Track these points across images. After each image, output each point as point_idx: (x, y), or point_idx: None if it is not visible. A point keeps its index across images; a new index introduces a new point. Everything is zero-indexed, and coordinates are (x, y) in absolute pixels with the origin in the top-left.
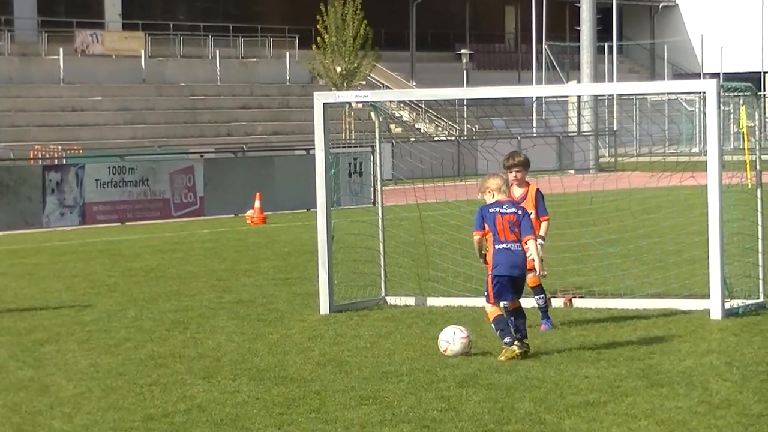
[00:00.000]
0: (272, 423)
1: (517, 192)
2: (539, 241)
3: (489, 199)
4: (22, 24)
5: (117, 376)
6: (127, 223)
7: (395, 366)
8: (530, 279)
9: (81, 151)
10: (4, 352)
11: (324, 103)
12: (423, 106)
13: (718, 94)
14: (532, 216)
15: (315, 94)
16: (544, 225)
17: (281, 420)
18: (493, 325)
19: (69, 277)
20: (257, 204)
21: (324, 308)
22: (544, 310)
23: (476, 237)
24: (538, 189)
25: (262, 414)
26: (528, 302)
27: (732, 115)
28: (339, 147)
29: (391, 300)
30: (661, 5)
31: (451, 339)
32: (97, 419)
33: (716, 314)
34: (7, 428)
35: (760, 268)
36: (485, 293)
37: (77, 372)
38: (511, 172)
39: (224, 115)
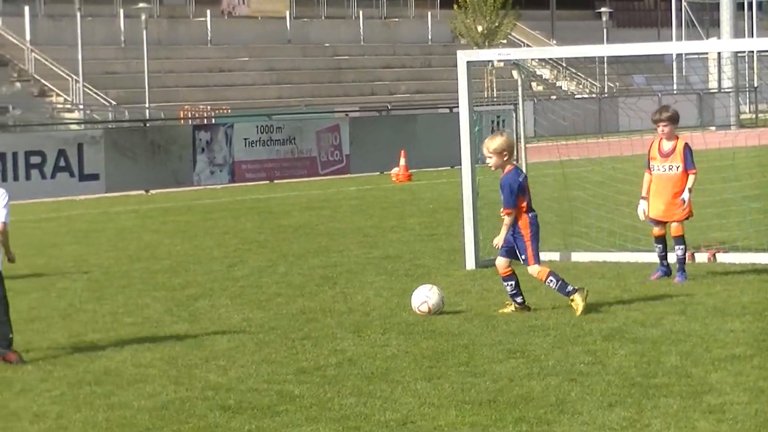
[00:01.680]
0: (422, 376)
1: (666, 146)
2: (686, 194)
3: (499, 163)
4: None
5: (269, 331)
6: (275, 181)
7: (541, 320)
8: (674, 228)
9: (229, 111)
10: (159, 307)
11: (467, 62)
12: (564, 64)
13: None
14: (681, 169)
15: (458, 52)
16: (691, 178)
17: (430, 373)
18: (552, 278)
19: (220, 234)
20: (402, 161)
21: (470, 264)
22: (682, 261)
23: (512, 215)
24: (686, 143)
25: (412, 367)
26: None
27: None
28: (481, 105)
29: None
30: None
31: (425, 295)
32: (251, 372)
33: None
34: (164, 380)
35: None
36: (525, 257)
37: (230, 326)
38: (659, 126)
39: (368, 75)
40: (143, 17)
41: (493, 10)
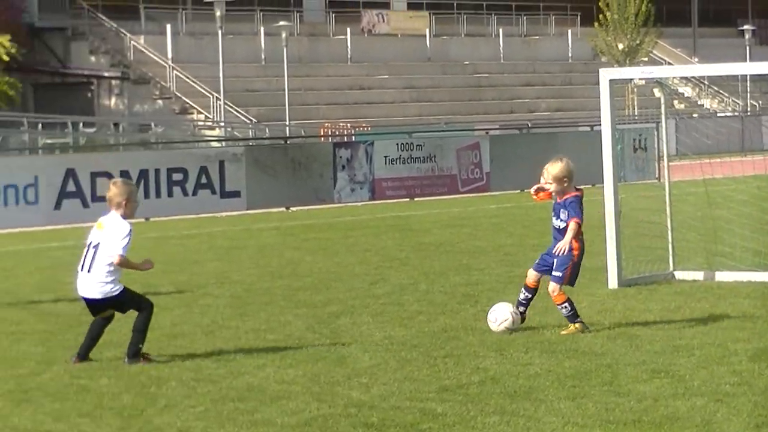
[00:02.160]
0: (565, 395)
1: None
2: None
3: (559, 189)
4: (311, 5)
5: (411, 348)
6: (415, 199)
7: (686, 340)
8: None
9: (369, 129)
10: (301, 324)
11: (610, 80)
12: (706, 81)
13: None
14: None
15: (600, 70)
16: None
17: (574, 392)
18: (568, 305)
19: (361, 251)
20: (543, 180)
21: (612, 282)
22: None
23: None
24: None
25: (555, 386)
26: None
27: None
28: (623, 123)
29: (679, 275)
30: None
31: (501, 315)
32: (394, 390)
33: None
34: (307, 397)
35: None
36: (561, 274)
37: (372, 343)
38: None
39: (507, 93)
40: (284, 35)
41: (635, 28)
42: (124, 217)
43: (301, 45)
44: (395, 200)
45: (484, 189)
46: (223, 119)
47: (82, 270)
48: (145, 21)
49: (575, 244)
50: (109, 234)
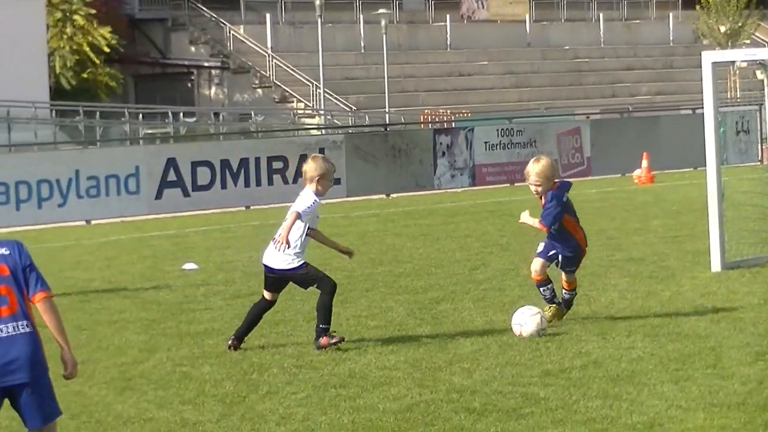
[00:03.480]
0: (668, 378)
1: None
2: None
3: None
4: None
5: (510, 334)
6: (515, 184)
7: None
8: None
9: (469, 115)
10: (402, 311)
11: (712, 62)
12: None
13: None
14: None
15: (703, 53)
16: None
17: (677, 375)
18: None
19: (462, 237)
20: (644, 163)
21: (715, 265)
22: None
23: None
24: None
25: (658, 369)
26: None
27: None
28: (725, 106)
29: None
30: None
31: (522, 320)
32: (496, 375)
33: None
34: (409, 383)
35: None
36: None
37: (474, 329)
38: None
39: (608, 77)
40: (383, 23)
41: (737, 10)
42: (317, 193)
43: (400, 32)
44: (495, 186)
45: (585, 174)
46: (322, 107)
47: (273, 241)
48: (245, 11)
49: (579, 234)
50: (297, 203)
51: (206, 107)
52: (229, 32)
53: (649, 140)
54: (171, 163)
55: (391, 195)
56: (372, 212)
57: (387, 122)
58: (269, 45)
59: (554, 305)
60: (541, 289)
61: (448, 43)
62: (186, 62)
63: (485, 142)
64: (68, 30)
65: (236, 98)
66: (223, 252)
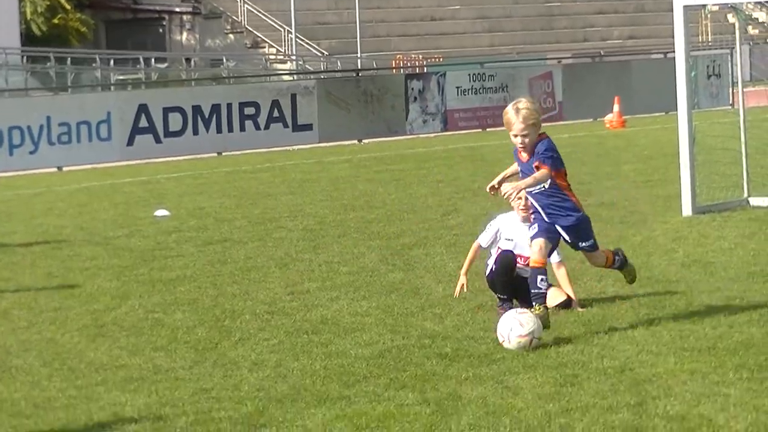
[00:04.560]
0: (639, 322)
1: None
2: None
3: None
4: None
5: (484, 278)
6: (487, 129)
7: (761, 266)
8: None
9: (441, 60)
10: (375, 256)
11: (684, 6)
12: None
13: None
14: None
15: None
16: None
17: (648, 320)
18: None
19: (434, 183)
20: (616, 108)
21: (686, 210)
22: None
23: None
24: None
25: (629, 314)
26: None
27: None
28: (697, 50)
29: (754, 201)
30: None
31: (507, 335)
32: (467, 320)
33: None
34: (381, 329)
35: None
36: (592, 242)
37: (446, 274)
38: None
39: (580, 21)
40: None
41: None
42: None
43: None
44: (468, 131)
45: (557, 118)
46: (294, 53)
47: None
48: None
49: (574, 199)
50: None
51: (178, 53)
52: None
53: (620, 85)
54: (143, 109)
55: (363, 140)
56: (344, 158)
57: (359, 67)
58: None
59: (544, 306)
60: (539, 278)
61: None
62: (157, 7)
63: (457, 87)
64: None
65: (208, 44)
66: (195, 198)
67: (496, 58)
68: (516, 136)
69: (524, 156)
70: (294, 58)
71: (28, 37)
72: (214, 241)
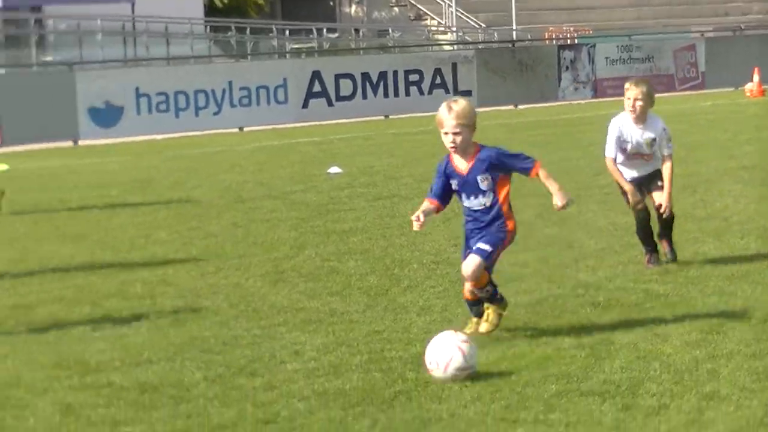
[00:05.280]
0: None
1: None
2: None
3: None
4: None
5: (634, 234)
6: None
7: None
8: None
9: (591, 32)
10: (531, 212)
11: None
12: None
13: None
14: None
15: None
16: None
17: None
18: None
19: (585, 146)
20: (756, 78)
21: None
22: None
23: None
24: None
25: None
26: None
27: None
28: None
29: None
30: None
31: (443, 364)
32: (618, 272)
33: None
34: (538, 279)
35: None
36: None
37: (597, 229)
38: None
39: None
40: None
41: None
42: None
43: None
44: (616, 98)
45: (699, 87)
46: (454, 25)
47: None
48: None
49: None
50: None
51: (347, 24)
52: None
53: (760, 56)
54: (316, 75)
55: (519, 106)
56: (501, 122)
57: (514, 39)
58: None
59: (478, 319)
60: (474, 309)
61: None
62: None
63: (606, 58)
64: None
65: (375, 16)
66: (365, 157)
67: (642, 31)
68: (447, 134)
69: (461, 166)
70: (454, 29)
71: (210, 9)
72: (383, 197)
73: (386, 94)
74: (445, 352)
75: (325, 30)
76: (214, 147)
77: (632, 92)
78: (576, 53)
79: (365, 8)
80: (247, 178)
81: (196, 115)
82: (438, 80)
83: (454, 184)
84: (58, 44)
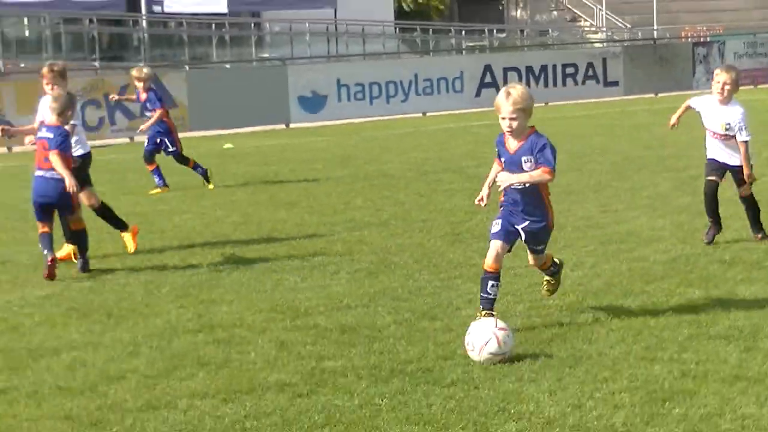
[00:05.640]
0: None
1: None
2: None
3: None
4: None
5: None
6: (758, 86)
7: None
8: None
9: (721, 31)
10: (668, 185)
11: None
12: None
13: None
14: None
15: None
16: None
17: None
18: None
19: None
20: None
21: None
22: None
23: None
24: None
25: None
26: None
27: None
28: None
29: None
30: None
31: (479, 347)
32: (743, 234)
33: None
34: (674, 240)
35: None
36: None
37: (725, 199)
38: None
39: None
40: None
41: None
42: None
43: None
44: (742, 87)
45: None
46: (604, 26)
47: None
48: None
49: (548, 205)
50: None
51: (513, 25)
52: None
53: None
54: (487, 68)
55: (658, 94)
56: (643, 108)
57: (655, 37)
58: None
59: (489, 313)
60: (490, 284)
61: None
62: None
63: (734, 53)
64: None
65: (537, 18)
66: None
67: (767, 30)
68: (504, 119)
69: (511, 146)
70: (604, 30)
71: (399, 13)
72: (557, 171)
73: (546, 84)
74: (482, 337)
75: (495, 30)
76: (402, 129)
77: (722, 77)
78: (708, 49)
79: (529, 12)
80: (429, 155)
81: (387, 102)
82: (590, 72)
83: (502, 160)
84: (273, 43)
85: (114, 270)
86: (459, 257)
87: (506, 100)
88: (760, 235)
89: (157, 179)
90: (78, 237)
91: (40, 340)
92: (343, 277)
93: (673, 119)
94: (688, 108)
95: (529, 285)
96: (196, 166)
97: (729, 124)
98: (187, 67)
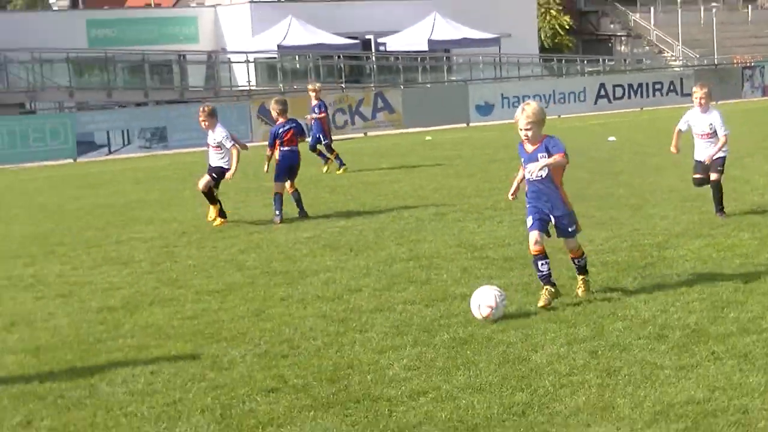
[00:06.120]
0: None
1: None
2: None
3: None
4: None
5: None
6: None
7: None
8: None
9: (761, 58)
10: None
11: None
12: None
13: None
14: None
15: None
16: None
17: None
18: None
19: (760, 124)
20: None
21: None
22: None
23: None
24: None
25: None
26: None
27: None
28: None
29: None
30: None
31: (494, 302)
32: None
33: None
34: (726, 201)
35: None
36: (575, 227)
37: (764, 173)
38: None
39: None
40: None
41: None
42: None
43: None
44: None
45: None
46: (681, 56)
47: None
48: (639, 5)
49: (564, 194)
50: None
51: (618, 56)
52: (630, 17)
53: None
54: (601, 86)
55: (718, 101)
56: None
57: (716, 63)
58: (652, 23)
59: (549, 287)
60: (540, 263)
61: (750, 20)
62: (608, 34)
63: None
64: (547, 16)
65: (635, 51)
66: (630, 133)
67: None
68: (521, 129)
69: (529, 149)
70: (681, 59)
71: (542, 49)
72: (640, 153)
73: (641, 96)
74: (486, 299)
75: (606, 60)
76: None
77: (698, 93)
78: (753, 71)
79: (629, 47)
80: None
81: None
82: (672, 88)
83: (522, 161)
84: (458, 70)
85: (354, 219)
86: (580, 210)
87: (521, 114)
88: (720, 214)
89: (338, 162)
90: (295, 196)
91: (306, 265)
92: (506, 224)
93: (673, 149)
94: (679, 132)
95: (630, 231)
96: (337, 157)
97: (712, 124)
98: (402, 87)
